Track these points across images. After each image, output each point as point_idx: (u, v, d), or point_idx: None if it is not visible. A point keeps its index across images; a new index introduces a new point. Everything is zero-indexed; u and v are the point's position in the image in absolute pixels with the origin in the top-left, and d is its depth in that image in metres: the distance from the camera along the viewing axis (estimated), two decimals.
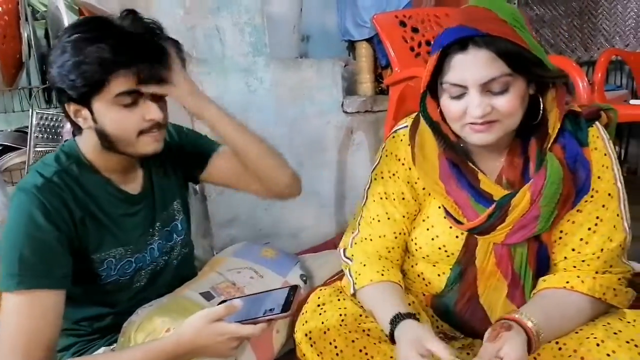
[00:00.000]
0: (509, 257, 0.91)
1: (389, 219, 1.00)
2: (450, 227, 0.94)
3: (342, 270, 1.17)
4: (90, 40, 0.87)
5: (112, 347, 1.02)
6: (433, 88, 0.89)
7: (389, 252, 1.01)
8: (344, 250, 1.06)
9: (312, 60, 2.15)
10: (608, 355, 0.78)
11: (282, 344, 1.03)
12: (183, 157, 1.16)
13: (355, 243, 1.04)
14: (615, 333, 0.81)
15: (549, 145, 0.87)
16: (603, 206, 0.88)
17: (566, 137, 0.88)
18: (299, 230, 2.06)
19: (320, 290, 1.04)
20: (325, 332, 0.93)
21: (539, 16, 3.03)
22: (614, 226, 0.88)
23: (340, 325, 0.93)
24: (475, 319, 0.96)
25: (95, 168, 1.00)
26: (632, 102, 2.10)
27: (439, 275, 0.98)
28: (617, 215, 0.88)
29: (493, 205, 0.88)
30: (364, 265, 1.00)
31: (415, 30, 2.02)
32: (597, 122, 0.90)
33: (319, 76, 2.07)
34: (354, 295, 0.99)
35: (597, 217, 0.88)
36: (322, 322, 0.95)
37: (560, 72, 0.87)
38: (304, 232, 2.06)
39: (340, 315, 0.95)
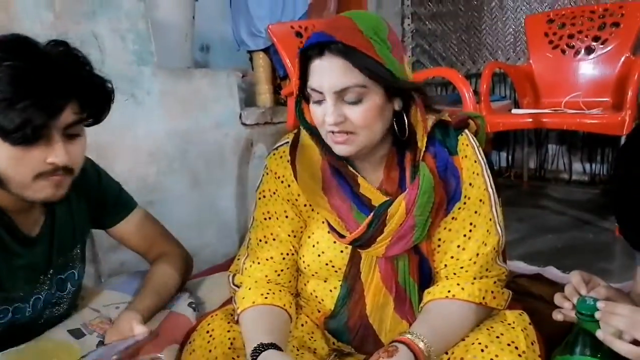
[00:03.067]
0: (393, 271, 0.91)
1: (274, 239, 0.97)
2: (335, 242, 0.92)
3: None
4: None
5: None
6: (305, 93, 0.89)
7: (279, 275, 0.97)
8: (233, 276, 1.02)
9: (206, 70, 2.08)
10: (492, 359, 0.80)
11: None
12: (98, 207, 1.05)
13: (245, 268, 0.99)
14: (497, 337, 0.83)
15: (421, 156, 0.88)
16: (475, 212, 0.90)
17: (436, 146, 0.89)
18: (200, 249, 1.95)
19: (211, 316, 0.98)
20: None
21: (431, 31, 3.20)
22: (487, 230, 0.90)
23: (229, 349, 0.88)
24: (367, 336, 0.94)
25: None
26: (514, 111, 2.26)
27: (330, 291, 0.96)
28: (490, 219, 0.90)
29: (371, 215, 0.87)
30: (249, 289, 0.95)
31: None
32: (466, 130, 0.93)
33: (213, 87, 1.99)
34: (237, 322, 0.94)
35: (471, 224, 0.90)
36: (210, 351, 0.89)
37: (413, 83, 0.88)
38: (204, 250, 1.96)
39: (229, 339, 0.90)
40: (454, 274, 0.90)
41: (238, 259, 1.03)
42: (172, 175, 1.85)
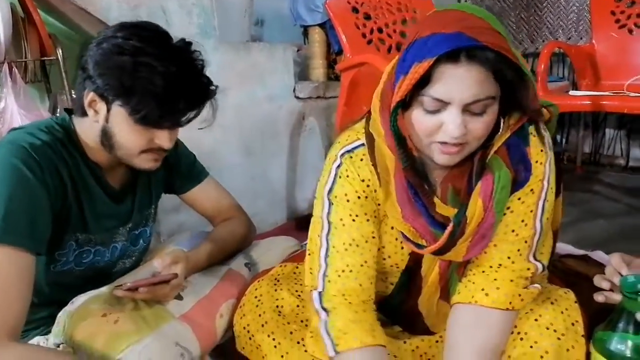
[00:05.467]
0: (448, 266, 0.90)
1: (366, 241, 0.88)
2: (402, 248, 0.91)
3: (286, 259, 1.17)
4: (150, 62, 0.84)
5: (46, 336, 0.98)
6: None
7: (371, 283, 0.88)
8: (319, 295, 0.88)
9: (263, 44, 2.13)
10: (531, 347, 0.81)
11: (225, 329, 1.02)
12: (173, 173, 1.17)
13: (329, 281, 0.87)
14: (536, 320, 0.83)
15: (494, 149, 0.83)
16: (519, 199, 0.84)
17: (511, 137, 0.82)
18: (250, 216, 2.04)
19: (258, 281, 1.04)
20: (262, 325, 0.93)
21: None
22: (523, 220, 0.84)
23: (279, 316, 0.94)
24: (414, 318, 0.98)
25: (86, 153, 0.97)
26: (572, 93, 2.19)
27: (388, 285, 0.98)
28: (531, 211, 0.85)
29: (451, 225, 0.83)
30: (352, 322, 0.84)
31: (367, 17, 2.03)
32: (537, 120, 0.86)
33: (270, 60, 2.04)
34: (331, 358, 0.84)
35: (508, 208, 0.84)
36: (260, 315, 0.95)
37: (539, 106, 0.83)
38: (255, 218, 2.02)
39: (278, 307, 0.96)
40: (477, 258, 0.87)
41: (310, 274, 0.90)
42: (227, 144, 1.94)
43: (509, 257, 0.85)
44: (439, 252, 0.86)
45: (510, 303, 0.83)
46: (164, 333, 0.89)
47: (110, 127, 0.91)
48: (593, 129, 2.82)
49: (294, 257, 1.17)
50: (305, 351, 0.89)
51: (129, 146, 0.92)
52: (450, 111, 0.73)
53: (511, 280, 0.84)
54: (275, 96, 2.08)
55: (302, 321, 0.93)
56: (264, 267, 1.19)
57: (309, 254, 0.92)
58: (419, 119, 0.77)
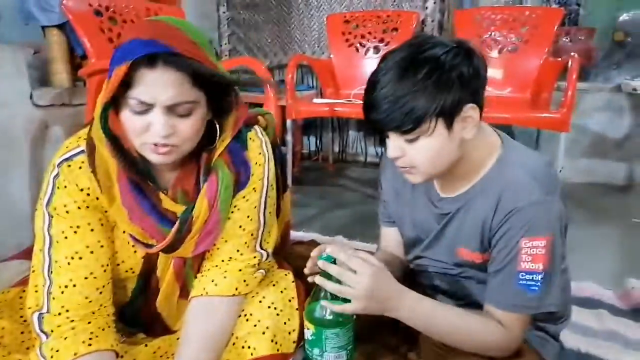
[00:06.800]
0: (184, 264, 0.95)
1: (92, 252, 0.86)
2: (135, 252, 0.93)
3: (13, 284, 1.06)
4: None
5: None
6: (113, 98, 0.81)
7: (101, 293, 0.87)
8: (40, 317, 0.84)
9: None
10: (255, 325, 0.92)
11: None
12: None
13: (54, 298, 0.84)
14: (260, 301, 0.95)
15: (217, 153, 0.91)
16: (244, 197, 0.94)
17: (231, 143, 0.92)
18: None
19: None
20: None
21: (246, 20, 3.30)
22: (248, 216, 0.94)
23: None
24: (154, 320, 0.99)
25: None
26: (315, 100, 2.50)
27: (129, 291, 0.97)
28: (255, 207, 0.95)
29: (177, 223, 0.88)
30: (65, 338, 0.82)
31: (113, 20, 1.94)
32: (255, 126, 1.00)
33: None
34: None
35: (235, 206, 0.94)
36: None
37: (245, 111, 0.94)
38: None
39: None
40: (209, 252, 0.95)
41: (36, 291, 0.86)
42: None
43: (238, 250, 0.95)
44: (168, 250, 0.90)
45: (236, 289, 0.93)
46: None
47: None
48: (340, 131, 3.25)
49: (22, 281, 1.05)
50: None
51: None
52: (155, 112, 0.79)
53: (239, 270, 0.94)
54: (7, 103, 1.82)
55: (27, 348, 0.86)
56: None
57: (33, 271, 0.87)
58: (128, 120, 0.81)
